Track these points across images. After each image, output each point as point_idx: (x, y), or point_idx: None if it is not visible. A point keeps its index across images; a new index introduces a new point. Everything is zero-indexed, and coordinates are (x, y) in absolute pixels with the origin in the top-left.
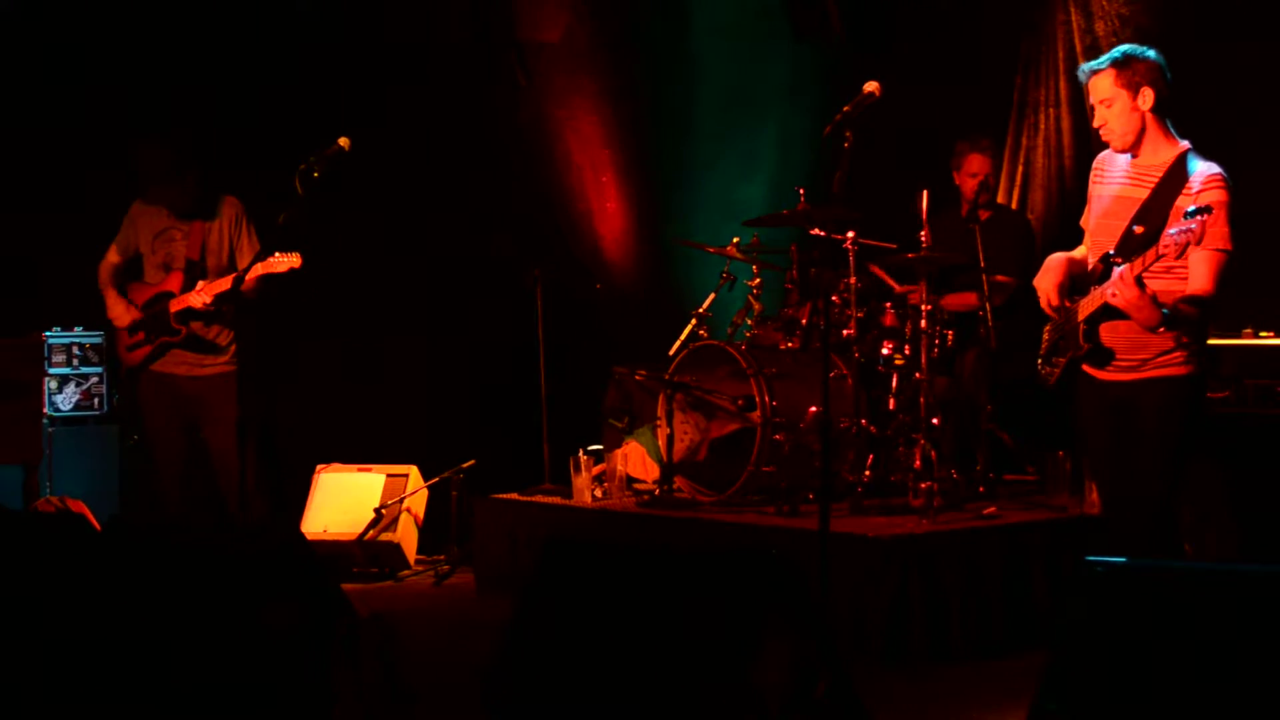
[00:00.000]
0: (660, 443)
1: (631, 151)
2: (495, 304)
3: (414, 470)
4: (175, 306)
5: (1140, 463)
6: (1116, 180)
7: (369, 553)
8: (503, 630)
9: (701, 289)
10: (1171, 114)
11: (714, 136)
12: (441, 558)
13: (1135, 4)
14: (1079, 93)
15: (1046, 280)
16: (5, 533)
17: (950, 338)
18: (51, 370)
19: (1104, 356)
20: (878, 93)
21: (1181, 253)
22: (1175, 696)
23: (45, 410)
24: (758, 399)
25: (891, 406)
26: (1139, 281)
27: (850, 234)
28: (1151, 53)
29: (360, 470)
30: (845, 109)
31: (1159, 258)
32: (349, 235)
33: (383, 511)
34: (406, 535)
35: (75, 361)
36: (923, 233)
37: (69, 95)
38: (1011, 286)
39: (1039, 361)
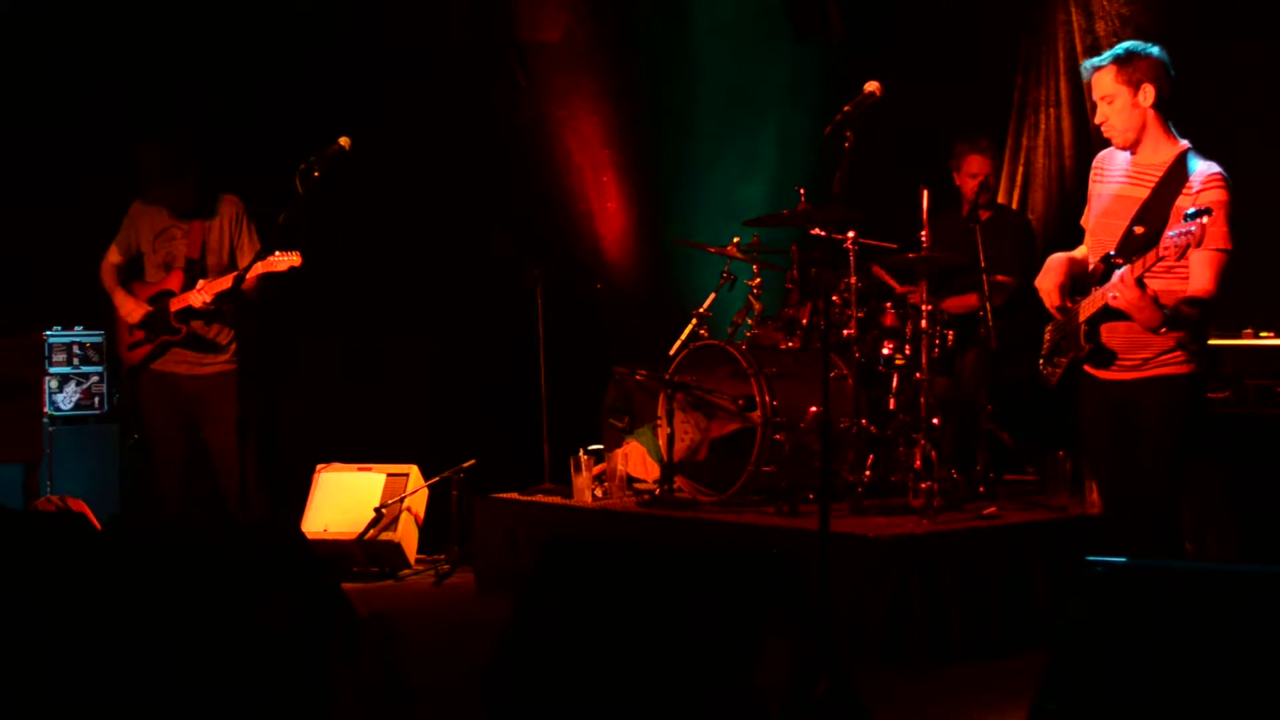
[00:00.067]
0: (660, 442)
1: (632, 151)
2: (495, 304)
3: (414, 470)
4: (175, 305)
5: (1141, 462)
6: (1116, 179)
7: (369, 552)
8: (503, 630)
9: (702, 289)
10: (1172, 114)
11: (714, 136)
12: (442, 557)
13: (1136, 4)
14: (1079, 93)
15: (1047, 280)
16: (5, 532)
17: (950, 338)
18: (52, 369)
19: (1105, 357)
20: (878, 93)
21: (1181, 255)
22: (1175, 696)
23: (45, 409)
24: (758, 399)
25: (892, 406)
26: (1140, 283)
27: (850, 234)
28: (1155, 50)
29: (360, 470)
30: (846, 109)
31: (1159, 259)
32: (349, 235)
33: (383, 511)
34: (407, 535)
35: (75, 361)
36: (922, 233)
37: (69, 95)
38: (1012, 286)
39: (1040, 361)
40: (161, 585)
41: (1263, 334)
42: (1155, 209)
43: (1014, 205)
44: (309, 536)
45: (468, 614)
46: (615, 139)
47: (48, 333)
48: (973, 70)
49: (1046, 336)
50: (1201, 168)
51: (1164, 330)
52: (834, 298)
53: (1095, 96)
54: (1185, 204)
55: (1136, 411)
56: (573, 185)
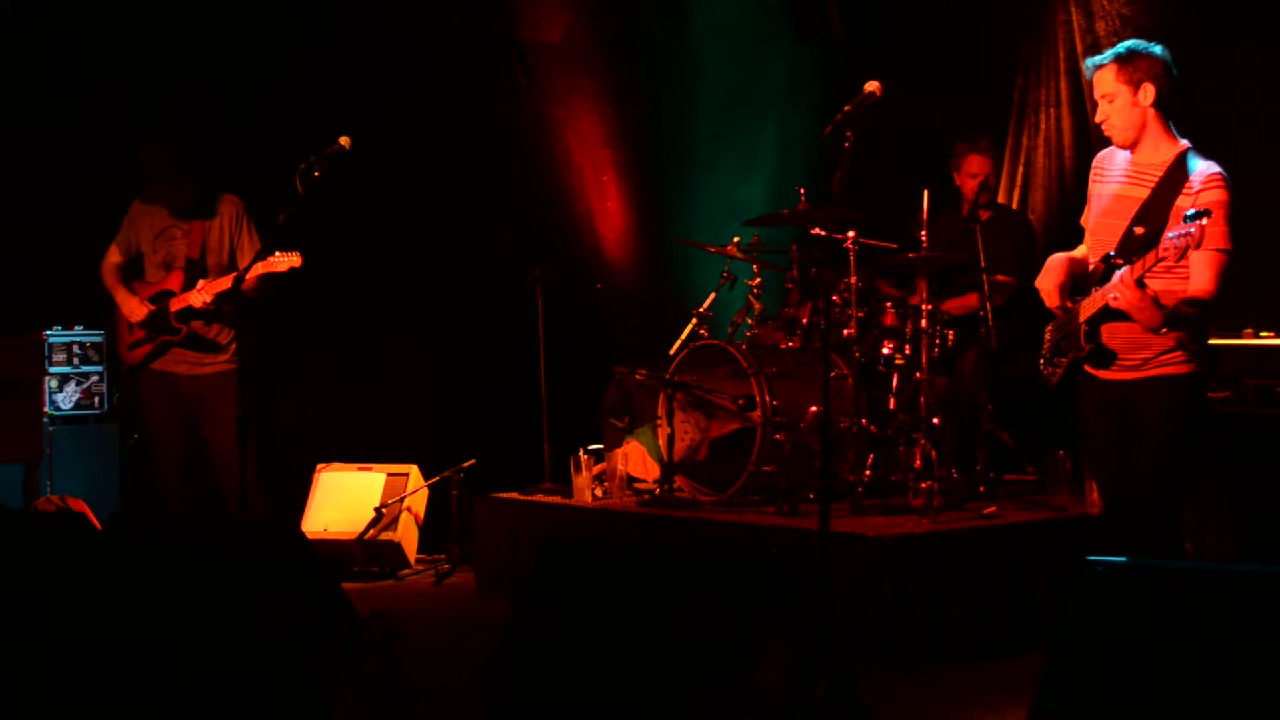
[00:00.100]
0: (661, 442)
1: (632, 151)
2: (495, 303)
3: (414, 469)
4: (176, 305)
5: (1141, 462)
6: (1116, 179)
7: (369, 552)
8: (503, 630)
9: (702, 288)
10: (1173, 113)
11: (714, 136)
12: (442, 557)
13: (1136, 4)
14: (1079, 92)
15: (1048, 281)
16: (6, 532)
17: (951, 337)
18: (52, 369)
19: (1106, 357)
20: (878, 92)
21: (1180, 257)
22: (1175, 696)
23: (45, 409)
24: (758, 398)
25: (892, 406)
26: (1140, 284)
27: (851, 233)
28: (1157, 49)
29: (361, 469)
30: (846, 108)
31: (1159, 261)
32: (349, 235)
33: (383, 510)
34: (407, 534)
35: (76, 360)
36: (921, 233)
37: (69, 95)
38: (1012, 286)
39: (1041, 361)
40: (161, 585)
41: (1263, 334)
42: (1155, 209)
43: (1014, 205)
44: (309, 536)
45: (468, 614)
46: (615, 139)
47: (48, 332)
48: (973, 70)
49: (1047, 336)
50: (1201, 167)
51: (1165, 330)
52: (834, 297)
53: (1096, 95)
54: (1185, 204)
55: (1137, 412)
56: (573, 185)
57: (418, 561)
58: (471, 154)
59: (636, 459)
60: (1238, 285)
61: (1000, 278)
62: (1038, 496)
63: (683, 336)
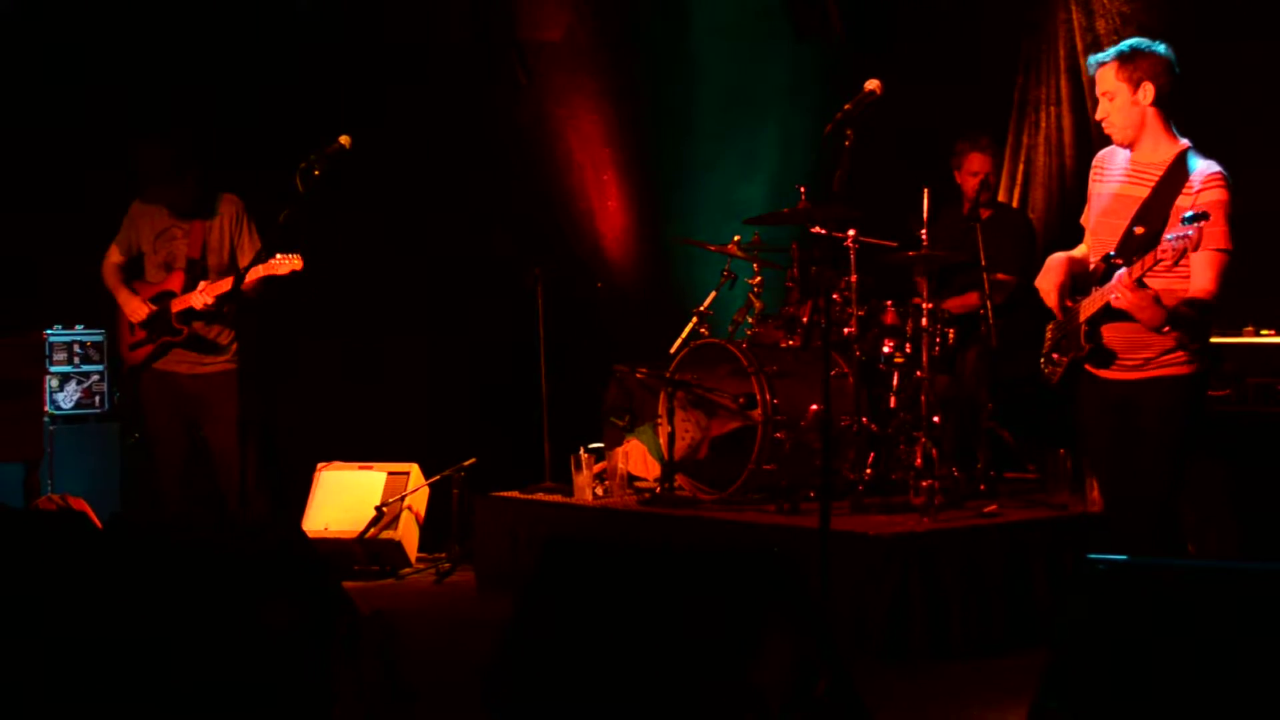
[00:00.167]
0: (661, 441)
1: (632, 151)
2: (496, 303)
3: (415, 468)
4: (177, 306)
5: (1142, 462)
6: (1116, 178)
7: (370, 551)
8: (503, 628)
9: (702, 287)
10: (1174, 112)
11: (715, 136)
12: (442, 556)
13: (1136, 2)
14: (1080, 91)
15: (1048, 280)
16: (6, 531)
17: (951, 336)
18: (52, 368)
19: (1106, 357)
20: (879, 91)
21: (1179, 259)
22: (1176, 694)
23: (46, 408)
24: (759, 397)
25: (892, 405)
26: (1139, 284)
27: (851, 232)
28: (1161, 47)
29: (361, 468)
30: (846, 107)
31: (1157, 262)
32: (350, 234)
33: (384, 509)
34: (407, 533)
35: (76, 359)
36: (922, 232)
37: (69, 95)
38: (1012, 285)
39: (1042, 360)
40: (162, 584)
41: (1264, 332)
42: (1155, 208)
43: (1014, 204)
44: (310, 535)
45: (468, 612)
46: (616, 138)
47: (48, 332)
48: (972, 69)
49: (1048, 335)
50: (1202, 167)
51: (1166, 329)
52: (834, 296)
53: (1097, 91)
54: (1185, 203)
55: (1137, 412)
56: (573, 184)
57: (418, 560)
58: (471, 154)
59: (637, 458)
60: (1239, 283)
61: (1001, 276)
62: (1038, 495)
63: (683, 335)
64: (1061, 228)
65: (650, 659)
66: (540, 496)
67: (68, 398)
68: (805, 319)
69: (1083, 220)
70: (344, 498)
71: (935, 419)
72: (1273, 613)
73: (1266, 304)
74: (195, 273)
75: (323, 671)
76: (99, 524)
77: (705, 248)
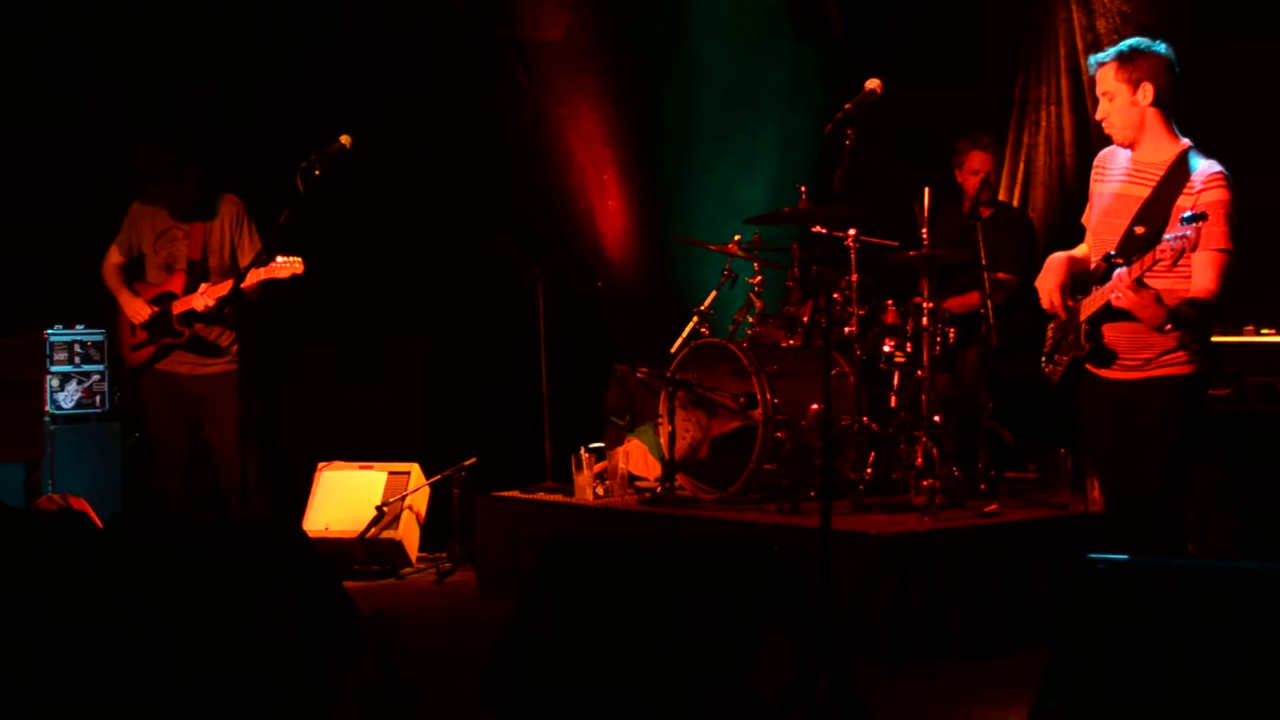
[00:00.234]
0: (662, 440)
1: (632, 150)
2: (496, 302)
3: (416, 468)
4: (178, 308)
5: (1143, 462)
6: (1117, 178)
7: (370, 550)
8: (504, 628)
9: (703, 287)
10: (1175, 112)
11: (715, 136)
12: (443, 555)
13: (1137, 1)
14: (1080, 90)
15: (1048, 280)
16: (7, 530)
17: (952, 335)
18: (53, 368)
19: (1106, 356)
20: (879, 90)
21: (1178, 259)
22: (1177, 694)
23: (47, 408)
24: (759, 396)
25: (893, 404)
26: (1139, 283)
27: (851, 232)
28: (1161, 47)
29: (362, 468)
30: (847, 106)
31: (1156, 262)
32: (350, 235)
33: (384, 509)
34: (408, 533)
35: (77, 359)
36: (922, 231)
37: (69, 95)
38: (1013, 284)
39: (1043, 360)
40: (163, 584)
41: (1264, 331)
42: (1156, 208)
43: (1015, 203)
44: (310, 535)
45: (469, 612)
46: (616, 138)
47: (49, 331)
48: (973, 69)
49: (1049, 334)
50: (1203, 166)
51: (1168, 327)
52: (835, 295)
53: (1098, 91)
54: (1186, 203)
55: (1138, 411)
56: (574, 184)
57: (419, 560)
58: (471, 154)
59: (638, 457)
60: (1239, 283)
61: (1001, 275)
62: (1039, 494)
63: (684, 335)
64: (1062, 227)
65: (651, 659)
66: (541, 496)
67: (68, 397)
68: (806, 318)
69: (1084, 219)
70: (345, 497)
71: (936, 418)
72: (1273, 613)
73: (1267, 303)
74: (196, 274)
75: (324, 671)
76: (100, 524)
77: (706, 247)
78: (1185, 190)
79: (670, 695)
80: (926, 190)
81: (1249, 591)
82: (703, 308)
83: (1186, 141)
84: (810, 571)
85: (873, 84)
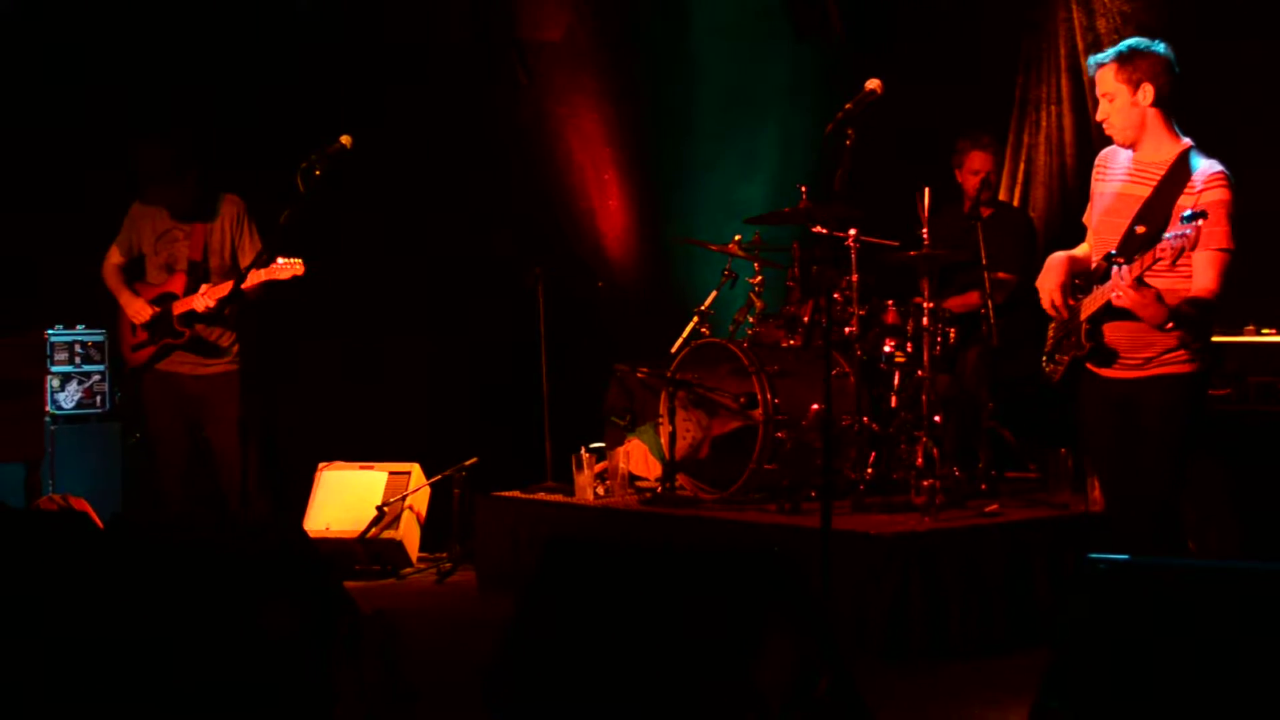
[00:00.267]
0: (662, 440)
1: (633, 150)
2: (496, 302)
3: (416, 468)
4: (178, 309)
5: (1143, 461)
6: (1119, 177)
7: (371, 550)
8: (504, 628)
9: (703, 287)
10: (1175, 112)
11: (715, 136)
12: (444, 555)
13: (1137, 1)
14: (1081, 90)
15: (1049, 280)
16: (7, 531)
17: (952, 335)
18: (54, 368)
19: (1107, 356)
20: (879, 90)
21: (1177, 257)
22: (1177, 694)
23: (47, 408)
24: (760, 396)
25: (893, 404)
26: (1139, 282)
27: (852, 232)
28: (1160, 47)
29: (362, 468)
30: (847, 106)
31: (1156, 260)
32: (350, 235)
33: (385, 509)
34: (409, 533)
35: (77, 359)
36: (923, 231)
37: (69, 95)
38: (1013, 284)
39: (1044, 359)
40: (163, 584)
41: (1264, 331)
42: (1157, 207)
43: (1015, 203)
44: (311, 535)
45: (469, 612)
46: (616, 138)
47: (50, 331)
48: (973, 69)
49: (1050, 335)
50: (1204, 166)
51: (1169, 326)
52: (835, 295)
53: (1098, 93)
54: (1187, 203)
55: (1139, 410)
56: (574, 184)
57: (419, 560)
58: (471, 154)
59: (638, 457)
60: (1240, 283)
61: (1001, 275)
62: (1039, 494)
63: (684, 335)
64: (1062, 226)
65: (651, 659)
66: (541, 496)
67: (69, 397)
68: (806, 318)
69: (1085, 219)
70: (345, 497)
71: (936, 418)
72: (1274, 613)
73: (1267, 303)
74: (197, 275)
75: (324, 671)
76: (100, 524)
77: (706, 247)
78: (1186, 190)
79: (670, 695)
80: (927, 190)
81: (1249, 592)
82: (703, 308)
83: (1188, 141)
84: (811, 571)
85: (873, 84)
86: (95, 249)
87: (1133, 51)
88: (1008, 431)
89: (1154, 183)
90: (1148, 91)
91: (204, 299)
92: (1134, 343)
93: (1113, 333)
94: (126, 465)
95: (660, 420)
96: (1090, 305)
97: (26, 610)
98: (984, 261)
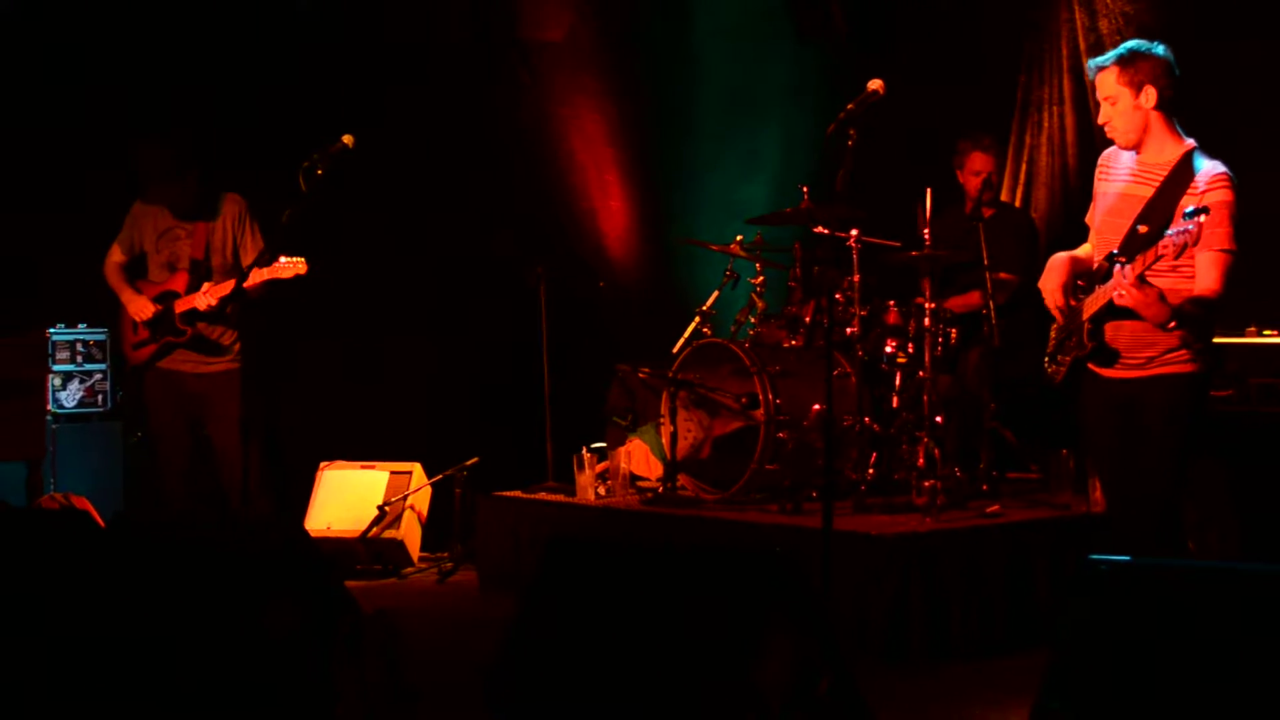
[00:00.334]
0: (664, 440)
1: (635, 150)
2: (498, 302)
3: (417, 468)
4: (180, 307)
5: (1145, 461)
6: (1121, 178)
7: (372, 550)
8: (506, 628)
9: (705, 287)
10: (1176, 113)
11: (717, 136)
12: (445, 555)
13: (1139, 2)
14: (1082, 91)
15: (1051, 280)
16: (9, 529)
17: (954, 336)
18: (55, 367)
19: (1109, 355)
20: (881, 91)
21: (1180, 253)
22: (1178, 695)
23: (49, 407)
24: (761, 397)
25: (895, 404)
26: (1141, 280)
27: (854, 232)
28: (1160, 49)
29: (364, 467)
30: (849, 107)
31: (1158, 258)
32: (352, 235)
33: (386, 509)
34: (410, 533)
35: (79, 358)
36: (925, 231)
37: (69, 95)
38: (1015, 284)
39: (1045, 360)
40: (165, 583)
41: (1266, 332)
42: (1160, 208)
43: (1017, 203)
44: (312, 534)
45: (470, 612)
46: (618, 138)
47: (51, 330)
48: (975, 69)
49: (1052, 335)
50: (1207, 167)
51: (1172, 325)
52: (837, 296)
53: (1099, 96)
54: (1189, 204)
55: (1140, 410)
56: (576, 184)
57: (421, 560)
58: (473, 153)
59: (639, 457)
60: (1241, 284)
61: (1003, 275)
62: (1041, 495)
63: (686, 335)
64: (1064, 227)
65: (652, 659)
66: (543, 496)
67: (70, 396)
68: (808, 319)
69: (1087, 219)
70: (346, 497)
71: (938, 419)
72: (1275, 613)
73: (1268, 304)
74: (199, 273)
75: (325, 671)
76: (101, 523)
77: (708, 247)
78: (1189, 190)
79: (671, 695)
80: (929, 191)
81: (1250, 593)
82: (705, 308)
83: (1191, 142)
84: (812, 572)
85: (875, 85)
86: (96, 248)
87: (1133, 54)
88: (1009, 432)
89: (1157, 183)
90: (1150, 94)
91: (206, 297)
92: (1136, 343)
93: (1114, 332)
94: (128, 464)
95: (662, 420)
96: (1092, 305)
97: (28, 609)
98: (985, 262)
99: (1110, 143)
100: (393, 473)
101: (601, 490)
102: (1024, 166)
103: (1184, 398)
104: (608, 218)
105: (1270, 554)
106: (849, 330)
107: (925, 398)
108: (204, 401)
